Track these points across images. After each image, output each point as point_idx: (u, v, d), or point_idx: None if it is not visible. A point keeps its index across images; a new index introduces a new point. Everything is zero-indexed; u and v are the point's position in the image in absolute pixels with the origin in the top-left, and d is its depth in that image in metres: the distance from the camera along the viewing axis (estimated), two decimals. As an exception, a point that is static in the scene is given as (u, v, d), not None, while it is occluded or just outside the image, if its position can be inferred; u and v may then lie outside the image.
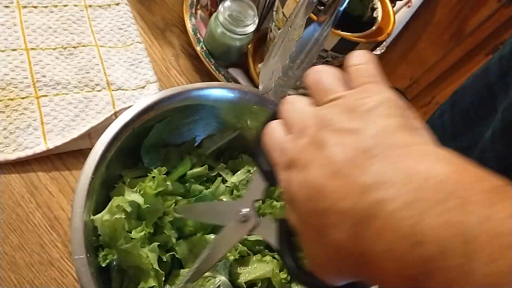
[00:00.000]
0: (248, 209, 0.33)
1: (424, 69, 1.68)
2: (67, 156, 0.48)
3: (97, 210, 0.38)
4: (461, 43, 1.54)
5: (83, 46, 0.55)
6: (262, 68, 0.49)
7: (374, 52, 0.67)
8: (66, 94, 0.51)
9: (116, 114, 0.50)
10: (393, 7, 0.74)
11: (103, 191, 0.39)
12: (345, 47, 0.54)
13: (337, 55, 0.56)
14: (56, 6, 0.57)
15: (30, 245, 0.42)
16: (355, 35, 0.54)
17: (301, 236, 0.24)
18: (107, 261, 0.37)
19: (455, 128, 0.69)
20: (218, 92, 0.47)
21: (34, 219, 0.44)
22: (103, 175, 0.38)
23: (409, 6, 1.58)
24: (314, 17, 0.47)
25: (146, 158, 0.44)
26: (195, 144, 0.49)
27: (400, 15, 1.61)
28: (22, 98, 0.49)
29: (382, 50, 0.68)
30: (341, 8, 0.44)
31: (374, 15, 0.58)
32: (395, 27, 1.76)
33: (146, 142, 0.44)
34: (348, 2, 0.50)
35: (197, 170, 0.47)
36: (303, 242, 0.24)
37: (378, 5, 0.59)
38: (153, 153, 0.44)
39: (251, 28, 0.59)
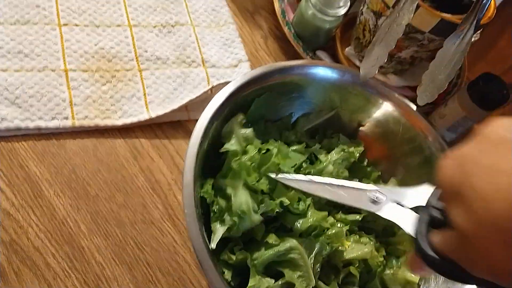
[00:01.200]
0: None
1: (503, 69, 1.59)
2: (166, 126, 0.50)
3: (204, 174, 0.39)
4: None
5: (180, 25, 0.58)
6: (366, 54, 0.48)
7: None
8: (166, 68, 0.54)
9: (212, 90, 0.52)
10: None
11: (209, 155, 0.40)
12: (444, 29, 0.52)
13: (434, 38, 0.55)
14: (155, -13, 0.60)
15: (134, 205, 0.45)
16: (457, 17, 0.52)
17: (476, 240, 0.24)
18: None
19: None
20: (320, 71, 0.47)
21: (138, 182, 0.46)
22: (209, 140, 0.40)
23: None
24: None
25: None
26: (291, 121, 0.50)
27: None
28: (127, 70, 0.52)
29: (476, 38, 0.65)
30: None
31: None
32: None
33: (247, 116, 0.45)
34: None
35: (295, 148, 0.47)
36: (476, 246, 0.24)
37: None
38: (253, 126, 0.45)
39: (342, 11, 0.59)
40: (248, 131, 0.43)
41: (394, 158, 0.52)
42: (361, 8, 0.61)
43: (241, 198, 0.38)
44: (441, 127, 0.60)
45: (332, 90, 0.49)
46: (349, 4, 0.59)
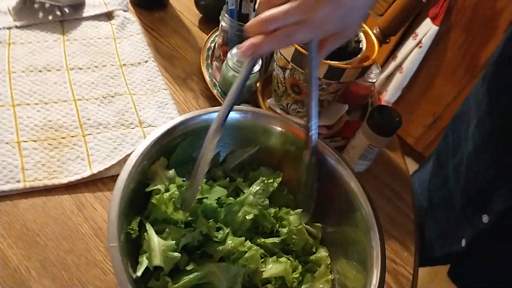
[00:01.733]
0: None
1: (444, 105, 1.74)
2: (108, 180, 0.58)
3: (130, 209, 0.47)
4: (476, 76, 1.61)
5: (119, 95, 0.68)
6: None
7: (369, 80, 0.76)
8: (107, 132, 0.63)
9: (146, 144, 0.61)
10: (387, 42, 0.84)
11: (137, 195, 0.48)
12: (334, 74, 0.63)
13: (329, 82, 0.65)
14: (96, 67, 0.70)
15: (79, 250, 0.51)
16: (342, 63, 0.64)
17: None
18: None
19: (454, 146, 0.75)
20: (233, 114, 0.56)
21: (82, 229, 0.53)
22: (137, 181, 0.48)
23: (420, 47, 1.68)
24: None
25: (175, 171, 0.53)
26: (221, 159, 0.58)
27: (413, 56, 1.71)
28: (72, 136, 0.61)
29: (375, 80, 0.76)
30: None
31: (360, 46, 0.68)
32: (411, 67, 1.85)
33: (173, 158, 0.53)
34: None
35: (220, 182, 0.55)
36: None
37: (362, 37, 0.69)
38: (181, 168, 0.53)
39: (256, 68, 0.70)
40: (171, 172, 0.51)
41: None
42: (273, 65, 0.72)
43: (155, 243, 0.45)
44: (354, 156, 0.70)
45: (247, 130, 0.57)
46: (260, 61, 0.71)
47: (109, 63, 0.72)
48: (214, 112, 0.55)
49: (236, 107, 0.61)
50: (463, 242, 0.69)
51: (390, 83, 1.83)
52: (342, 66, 0.63)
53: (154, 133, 0.50)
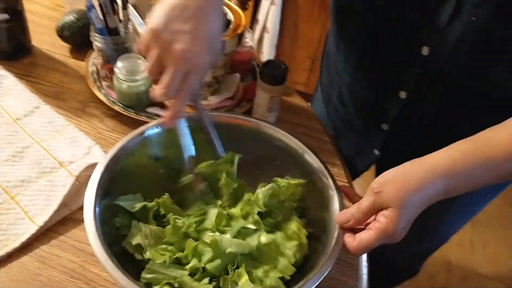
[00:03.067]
0: None
1: (314, 47, 1.90)
2: (56, 227, 0.59)
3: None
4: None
5: (27, 147, 0.67)
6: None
7: (246, 45, 0.83)
8: (33, 185, 0.63)
9: (77, 179, 0.62)
10: (247, 8, 0.92)
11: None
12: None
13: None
14: (-9, 131, 0.69)
15: (62, 296, 0.53)
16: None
17: None
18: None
19: (331, 81, 0.85)
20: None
21: (55, 279, 0.54)
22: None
23: (274, 4, 1.80)
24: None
25: None
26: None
27: (272, 14, 1.84)
28: (1, 203, 0.60)
29: (251, 43, 0.84)
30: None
31: (228, 17, 0.75)
32: (274, 25, 1.98)
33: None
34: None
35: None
36: None
37: (226, 9, 0.76)
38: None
39: (144, 74, 0.73)
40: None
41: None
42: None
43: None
44: (263, 112, 0.77)
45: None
46: (146, 63, 0.74)
47: (2, 123, 0.70)
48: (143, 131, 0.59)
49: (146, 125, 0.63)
50: (376, 152, 0.81)
51: (262, 45, 1.95)
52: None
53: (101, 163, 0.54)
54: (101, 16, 0.74)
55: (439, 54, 0.60)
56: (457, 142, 0.53)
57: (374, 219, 0.51)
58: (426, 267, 1.68)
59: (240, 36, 0.73)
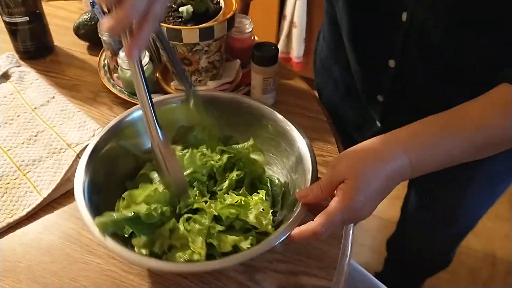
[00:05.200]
0: None
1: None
2: (60, 199, 0.66)
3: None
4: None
5: (41, 132, 0.75)
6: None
7: (246, 31, 0.86)
8: (43, 164, 0.70)
9: (78, 156, 0.69)
10: (252, -1, 0.95)
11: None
12: (206, 34, 0.74)
13: (207, 42, 0.75)
14: (12, 119, 0.77)
15: (58, 257, 0.59)
16: (209, 23, 0.74)
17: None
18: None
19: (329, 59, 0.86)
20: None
21: (56, 243, 0.61)
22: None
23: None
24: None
25: None
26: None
27: (299, 9, 1.86)
28: (14, 179, 0.68)
29: (250, 30, 0.87)
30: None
31: (220, 5, 0.79)
32: (301, 19, 1.99)
33: None
34: (193, 5, 0.71)
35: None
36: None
37: (219, -3, 0.80)
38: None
39: (146, 59, 0.79)
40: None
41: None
42: (162, 53, 0.82)
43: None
44: (258, 94, 0.80)
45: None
46: (147, 53, 0.80)
47: (21, 112, 0.79)
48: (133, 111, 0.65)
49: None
50: (377, 123, 0.80)
51: (291, 41, 1.97)
52: (209, 25, 0.73)
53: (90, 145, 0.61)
54: (106, 11, 0.80)
55: (417, 20, 0.60)
56: (423, 118, 0.52)
57: (334, 196, 0.49)
58: (468, 261, 1.62)
59: (230, 20, 0.76)
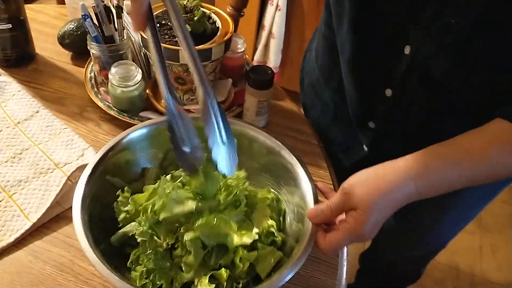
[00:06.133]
0: None
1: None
2: (50, 224, 0.63)
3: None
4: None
5: (26, 150, 0.71)
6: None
7: (238, 51, 0.86)
8: (29, 185, 0.67)
9: (70, 179, 0.66)
10: (242, 15, 0.95)
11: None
12: (204, 55, 0.73)
13: (204, 63, 0.75)
14: (-6, 134, 0.73)
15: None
16: (207, 44, 0.73)
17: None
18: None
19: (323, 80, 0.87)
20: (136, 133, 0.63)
21: (46, 272, 0.58)
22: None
23: (279, 10, 1.83)
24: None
25: None
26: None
27: (277, 20, 1.86)
28: (0, 201, 0.64)
29: (243, 49, 0.87)
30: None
31: (216, 25, 0.78)
32: (280, 30, 1.99)
33: None
34: (191, 25, 0.69)
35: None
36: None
37: (216, 17, 0.79)
38: None
39: (139, 76, 0.77)
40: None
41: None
42: (153, 69, 0.80)
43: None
44: (251, 116, 0.80)
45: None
46: (139, 70, 0.78)
47: (4, 127, 0.75)
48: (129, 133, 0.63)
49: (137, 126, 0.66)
50: (364, 147, 0.82)
51: (268, 51, 1.97)
52: (208, 46, 0.73)
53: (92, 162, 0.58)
54: (97, 25, 0.78)
55: (421, 54, 0.61)
56: (431, 145, 0.55)
57: (344, 220, 0.53)
58: (433, 273, 1.68)
59: (228, 42, 0.75)
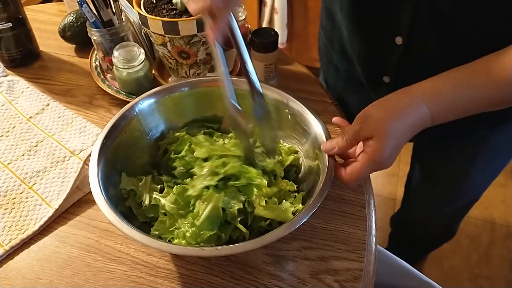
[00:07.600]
0: None
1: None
2: (72, 209, 0.63)
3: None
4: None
5: (41, 142, 0.72)
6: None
7: (239, 19, 0.84)
8: (48, 174, 0.67)
9: (86, 163, 0.66)
10: None
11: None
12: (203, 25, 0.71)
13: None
14: (8, 132, 0.74)
15: (79, 268, 0.56)
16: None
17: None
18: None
19: (329, 39, 0.84)
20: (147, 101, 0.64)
21: (74, 254, 0.58)
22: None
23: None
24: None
25: None
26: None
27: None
28: (20, 193, 0.64)
29: (243, 17, 0.85)
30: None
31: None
32: (282, 5, 1.95)
33: None
34: None
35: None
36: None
37: None
38: None
39: (142, 56, 0.76)
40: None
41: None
42: (156, 48, 0.79)
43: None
44: (264, 81, 0.78)
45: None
46: (142, 50, 0.77)
47: (17, 123, 0.75)
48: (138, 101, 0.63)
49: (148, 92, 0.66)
50: None
51: (273, 27, 1.94)
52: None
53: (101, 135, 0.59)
54: (94, 11, 0.77)
55: None
56: (447, 71, 0.54)
57: (362, 151, 0.53)
58: (467, 228, 1.64)
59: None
